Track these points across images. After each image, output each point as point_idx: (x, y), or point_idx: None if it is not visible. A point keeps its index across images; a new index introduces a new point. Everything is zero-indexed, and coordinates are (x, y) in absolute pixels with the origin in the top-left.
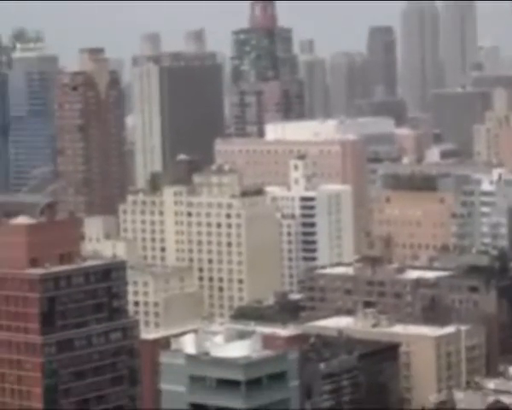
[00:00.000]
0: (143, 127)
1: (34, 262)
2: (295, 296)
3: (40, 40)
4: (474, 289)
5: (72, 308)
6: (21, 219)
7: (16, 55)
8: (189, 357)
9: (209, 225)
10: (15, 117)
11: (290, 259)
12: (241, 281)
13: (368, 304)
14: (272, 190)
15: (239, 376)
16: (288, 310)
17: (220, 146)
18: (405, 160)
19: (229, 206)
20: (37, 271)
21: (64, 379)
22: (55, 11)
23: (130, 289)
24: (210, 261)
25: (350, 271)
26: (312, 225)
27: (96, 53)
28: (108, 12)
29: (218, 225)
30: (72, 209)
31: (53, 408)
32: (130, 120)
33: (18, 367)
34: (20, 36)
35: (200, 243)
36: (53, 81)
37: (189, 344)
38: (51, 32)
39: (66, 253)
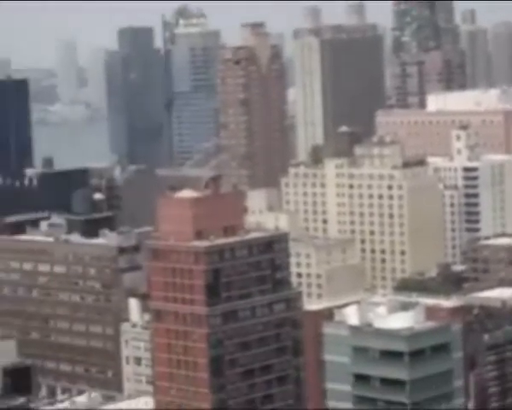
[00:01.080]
0: (305, 100)
1: (199, 235)
2: (458, 268)
3: (202, 16)
4: None
5: (236, 280)
6: (186, 193)
7: (179, 30)
8: (353, 328)
9: (371, 196)
10: (179, 92)
11: (453, 230)
12: (403, 252)
13: None
14: (434, 160)
15: (402, 347)
16: (450, 281)
17: (381, 117)
18: None
19: (391, 177)
20: (203, 243)
21: (229, 350)
22: None
23: (293, 260)
24: (372, 233)
25: None
26: (475, 195)
27: (257, 27)
28: None
29: (380, 197)
30: (235, 182)
31: (219, 378)
32: (291, 94)
33: (184, 338)
34: (182, 12)
35: (361, 214)
36: (215, 56)
37: (352, 316)
38: (213, 7)
39: (230, 225)
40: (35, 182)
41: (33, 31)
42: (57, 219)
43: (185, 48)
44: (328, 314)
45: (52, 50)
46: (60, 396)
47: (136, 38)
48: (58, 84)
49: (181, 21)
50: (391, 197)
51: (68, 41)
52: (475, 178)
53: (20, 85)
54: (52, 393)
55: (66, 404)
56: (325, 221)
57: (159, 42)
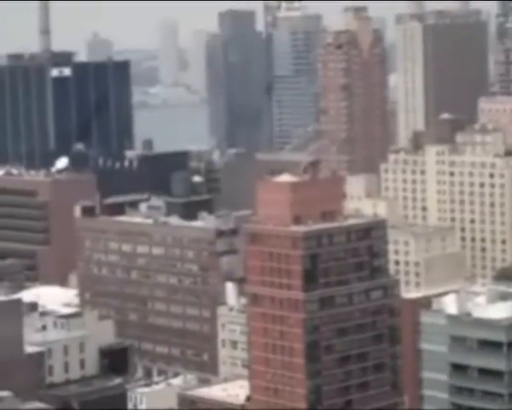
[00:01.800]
0: (406, 86)
1: (297, 220)
2: None
3: None
4: None
5: (333, 266)
6: (285, 177)
7: (281, 14)
8: (451, 317)
9: (472, 184)
10: (279, 76)
11: None
12: (503, 242)
13: None
14: None
15: (501, 337)
16: None
17: (484, 104)
18: None
19: (493, 165)
20: (301, 228)
21: (325, 336)
22: None
23: (391, 248)
24: (472, 221)
25: None
26: None
27: (359, 12)
28: None
29: (481, 185)
30: (334, 168)
31: (315, 364)
32: (392, 79)
33: (280, 323)
34: None
35: (462, 202)
36: (317, 40)
37: (450, 304)
38: None
39: (329, 211)
40: (135, 164)
41: (135, 12)
42: (156, 201)
43: (287, 32)
44: (425, 303)
45: (153, 32)
46: (155, 378)
47: (237, 21)
48: (159, 67)
49: (283, 5)
50: (492, 186)
51: (170, 22)
52: None
53: (121, 67)
54: (148, 374)
55: (161, 385)
56: (424, 208)
57: (260, 25)
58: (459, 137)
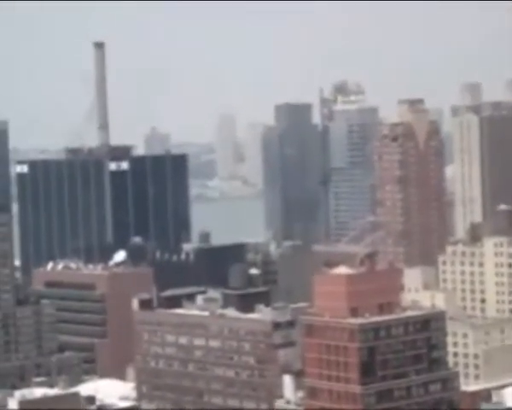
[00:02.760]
0: (463, 177)
1: (354, 312)
2: None
3: (361, 93)
4: None
5: (391, 359)
6: (342, 269)
7: (337, 107)
8: None
9: None
10: (336, 168)
11: None
12: None
13: None
14: None
15: None
16: None
17: None
18: None
19: None
20: (357, 320)
21: None
22: (376, 63)
23: (450, 340)
24: None
25: None
26: None
27: (415, 104)
28: (426, 62)
29: None
30: (391, 260)
31: None
32: (449, 170)
33: None
34: (342, 89)
35: None
36: (373, 132)
37: (510, 397)
38: (371, 82)
39: (386, 303)
40: (192, 256)
41: (192, 105)
42: (213, 293)
43: (343, 124)
44: (485, 395)
45: (211, 125)
46: None
47: (293, 113)
48: (216, 159)
49: (339, 98)
50: None
51: (227, 115)
52: None
53: (179, 161)
54: None
55: None
56: (483, 300)
57: (316, 118)
58: None
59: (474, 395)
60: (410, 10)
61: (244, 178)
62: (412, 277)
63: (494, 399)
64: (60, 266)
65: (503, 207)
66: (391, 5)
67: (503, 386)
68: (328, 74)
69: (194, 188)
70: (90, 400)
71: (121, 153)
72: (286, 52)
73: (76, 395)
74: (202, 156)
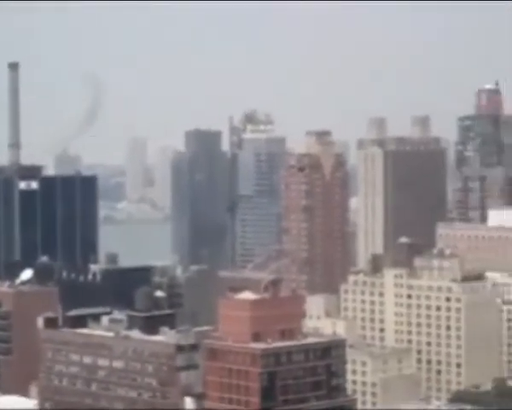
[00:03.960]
0: (366, 209)
1: (257, 337)
2: None
3: (270, 122)
4: None
5: (291, 384)
6: (246, 295)
7: (247, 136)
8: None
9: (428, 308)
10: (243, 195)
11: (509, 345)
12: (459, 365)
13: None
14: (493, 275)
15: None
16: (506, 396)
17: (442, 230)
18: None
19: (450, 290)
20: (260, 345)
21: None
22: (286, 93)
23: (349, 367)
24: (428, 344)
25: None
26: None
27: (322, 136)
28: (337, 96)
29: (438, 309)
30: (294, 287)
31: None
32: (353, 202)
33: None
34: (251, 118)
35: (419, 325)
36: (280, 162)
37: None
38: (280, 113)
39: (288, 329)
40: (98, 277)
41: (104, 127)
42: (118, 314)
43: (251, 153)
44: None
45: (122, 148)
46: None
47: (203, 140)
48: (126, 182)
49: (249, 127)
50: (448, 309)
51: (138, 139)
52: None
53: (88, 182)
54: None
55: None
56: (382, 330)
57: (225, 145)
58: (417, 261)
59: None
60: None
61: (153, 201)
62: (314, 304)
63: None
64: None
65: (403, 239)
66: (308, 38)
67: None
68: (238, 103)
69: (103, 210)
70: None
71: (31, 172)
72: (198, 79)
73: None
74: (112, 179)
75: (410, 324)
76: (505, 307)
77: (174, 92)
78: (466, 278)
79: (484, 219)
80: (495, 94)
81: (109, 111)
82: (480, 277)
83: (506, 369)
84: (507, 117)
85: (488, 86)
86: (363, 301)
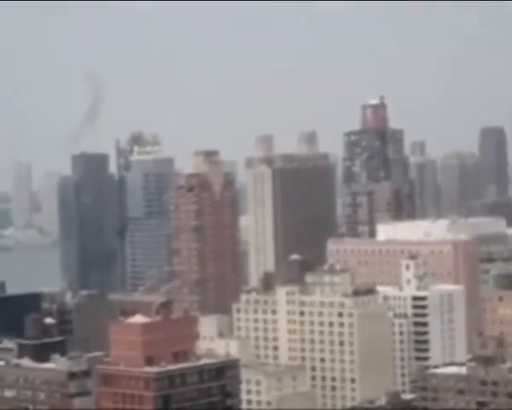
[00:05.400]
0: (256, 227)
1: (150, 360)
2: (407, 396)
3: (157, 143)
4: None
5: (186, 407)
6: (137, 318)
7: (134, 157)
8: None
9: (321, 324)
10: (132, 218)
11: (402, 358)
12: (353, 380)
13: (481, 404)
14: (384, 289)
15: None
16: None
17: (332, 246)
18: None
19: (342, 305)
20: (153, 369)
21: None
22: (171, 114)
23: (244, 387)
24: (322, 360)
25: (463, 370)
26: (424, 324)
27: (210, 155)
28: (223, 113)
29: (331, 324)
30: (186, 308)
31: None
32: (243, 221)
33: None
34: (137, 139)
35: (312, 341)
36: (169, 182)
37: None
38: (167, 134)
39: (181, 351)
40: None
41: None
42: (8, 343)
43: (139, 174)
44: None
45: (6, 173)
46: None
47: (89, 163)
48: (12, 209)
49: (135, 148)
50: (341, 325)
51: (22, 164)
52: (424, 307)
53: None
54: None
55: None
56: (276, 348)
57: (113, 167)
58: (308, 278)
59: None
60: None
61: (40, 227)
62: (207, 325)
63: None
64: None
65: (294, 256)
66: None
67: None
68: (124, 124)
69: None
70: None
71: None
72: (81, 101)
73: None
74: None
75: (303, 340)
76: (397, 321)
77: (55, 116)
78: (357, 293)
79: (373, 233)
80: (380, 108)
81: None
82: (371, 291)
83: (399, 382)
84: (392, 131)
85: (373, 101)
86: (255, 320)
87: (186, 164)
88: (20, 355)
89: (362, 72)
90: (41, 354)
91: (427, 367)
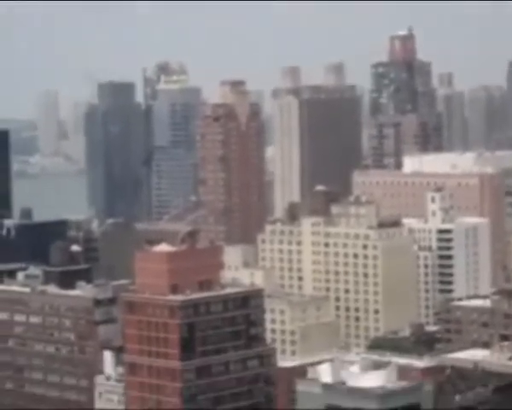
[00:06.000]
0: (282, 158)
1: (174, 289)
2: (431, 328)
3: (183, 73)
4: None
5: (210, 335)
6: (163, 247)
7: (160, 86)
8: (326, 386)
9: (346, 255)
10: (158, 147)
11: (426, 290)
12: (377, 311)
13: (504, 337)
14: (409, 221)
15: (374, 406)
16: (423, 342)
17: (358, 177)
18: None
19: (366, 237)
20: (178, 297)
21: (203, 404)
22: (199, 44)
23: (268, 317)
24: (346, 291)
25: (487, 303)
26: (449, 257)
27: (237, 85)
28: (250, 45)
29: (355, 256)
30: (212, 238)
31: None
32: (269, 151)
33: (158, 392)
34: (164, 68)
35: (336, 273)
36: (195, 112)
37: (325, 373)
38: (194, 63)
39: (206, 280)
40: (13, 233)
41: (15, 82)
42: (34, 269)
43: (166, 103)
44: (301, 371)
45: (34, 102)
46: None
47: (116, 92)
48: (38, 136)
49: (162, 78)
50: (366, 257)
51: (50, 93)
52: (449, 239)
53: (0, 136)
54: None
55: None
56: (300, 278)
57: (140, 97)
58: (334, 209)
59: (290, 370)
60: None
61: (67, 155)
62: (232, 255)
63: (309, 375)
64: None
65: (320, 188)
66: None
67: (318, 362)
68: (151, 54)
69: (16, 164)
70: None
71: None
72: (110, 32)
73: None
74: (24, 133)
75: (327, 272)
76: (421, 254)
77: (84, 45)
78: (382, 225)
79: (399, 165)
80: (408, 40)
81: (19, 65)
82: (396, 223)
83: (423, 314)
84: (420, 63)
85: (401, 32)
86: (280, 251)
87: (213, 94)
88: (46, 282)
89: (390, 2)
90: (67, 281)
91: (451, 300)
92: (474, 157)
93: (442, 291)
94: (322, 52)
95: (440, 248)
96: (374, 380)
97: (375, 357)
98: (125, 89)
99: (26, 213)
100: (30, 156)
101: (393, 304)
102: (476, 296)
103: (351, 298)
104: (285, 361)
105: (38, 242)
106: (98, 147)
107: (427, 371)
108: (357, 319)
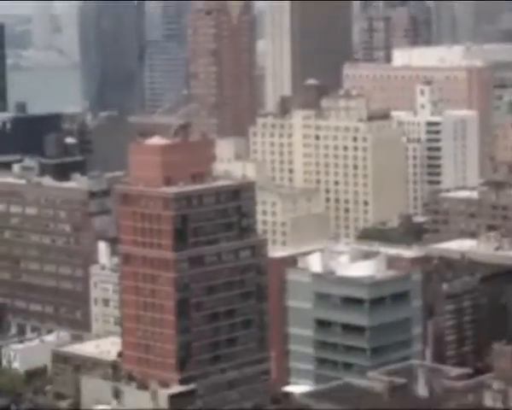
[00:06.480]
0: (274, 52)
1: (168, 181)
2: (419, 219)
3: None
4: None
5: (203, 226)
6: (156, 140)
7: None
8: (315, 275)
9: (336, 148)
10: (151, 41)
11: (415, 182)
12: (366, 203)
13: (491, 228)
14: (398, 114)
15: (363, 294)
16: (412, 232)
17: (348, 71)
18: None
19: (356, 129)
20: (171, 189)
21: (195, 293)
22: None
23: (259, 208)
24: (336, 183)
25: (474, 195)
26: (438, 149)
27: None
28: None
29: (345, 148)
30: (204, 131)
31: (185, 321)
32: (261, 45)
33: (152, 281)
34: None
35: (327, 165)
36: (187, 6)
37: (315, 263)
38: None
39: (199, 173)
40: (8, 125)
41: None
42: (30, 162)
43: None
44: (292, 261)
45: None
46: (29, 335)
47: None
48: (32, 30)
49: None
50: (355, 149)
51: None
52: (438, 132)
53: None
54: (22, 331)
55: (35, 342)
56: (291, 171)
57: None
58: (324, 103)
59: (281, 260)
60: None
61: (60, 48)
62: (224, 147)
63: (299, 264)
64: None
65: (311, 81)
66: None
67: (308, 252)
68: None
69: (9, 57)
70: None
71: None
72: None
73: None
74: (18, 27)
75: (318, 164)
76: (410, 146)
77: None
78: (372, 118)
79: (389, 58)
80: None
81: None
82: (385, 116)
83: (412, 205)
84: None
85: None
86: (272, 144)
87: None
88: (42, 174)
89: None
90: (62, 173)
91: (440, 191)
92: (462, 50)
93: (430, 183)
94: None
95: (429, 141)
96: (363, 269)
97: (364, 247)
98: None
99: (21, 106)
100: (23, 50)
101: (382, 195)
102: (464, 188)
103: (341, 190)
104: (276, 252)
105: (33, 134)
106: (92, 41)
107: (415, 261)
108: (346, 210)
